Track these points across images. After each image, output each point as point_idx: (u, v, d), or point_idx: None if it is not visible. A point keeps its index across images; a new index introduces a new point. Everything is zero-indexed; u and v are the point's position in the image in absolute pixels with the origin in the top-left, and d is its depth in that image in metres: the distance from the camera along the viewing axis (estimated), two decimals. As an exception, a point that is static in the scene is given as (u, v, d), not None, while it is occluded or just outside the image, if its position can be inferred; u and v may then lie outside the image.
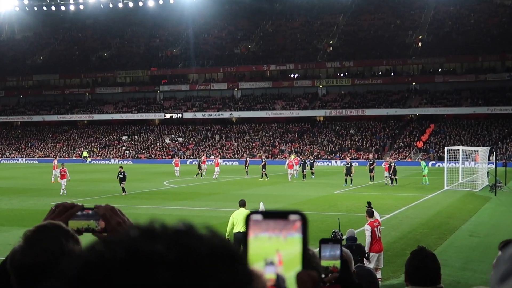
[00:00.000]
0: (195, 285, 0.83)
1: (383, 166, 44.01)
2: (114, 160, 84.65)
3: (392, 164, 42.60)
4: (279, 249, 1.04)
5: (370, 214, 15.66)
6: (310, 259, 2.89)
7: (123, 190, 36.40)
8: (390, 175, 42.31)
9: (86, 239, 1.56)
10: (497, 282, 0.70)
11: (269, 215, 1.05)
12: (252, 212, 1.06)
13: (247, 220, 1.04)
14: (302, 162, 49.33)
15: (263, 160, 49.63)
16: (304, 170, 47.99)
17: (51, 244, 2.20)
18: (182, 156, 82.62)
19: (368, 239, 14.96)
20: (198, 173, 51.34)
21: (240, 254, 0.91)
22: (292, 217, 1.04)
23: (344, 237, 14.44)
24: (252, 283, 0.89)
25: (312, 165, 50.95)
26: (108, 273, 0.83)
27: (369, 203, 16.42)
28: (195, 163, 76.25)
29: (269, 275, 1.04)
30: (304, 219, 1.04)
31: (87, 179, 48.74)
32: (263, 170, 48.06)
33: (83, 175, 51.85)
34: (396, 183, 42.41)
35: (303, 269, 1.05)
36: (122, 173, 36.93)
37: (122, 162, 74.43)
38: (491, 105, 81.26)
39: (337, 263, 2.86)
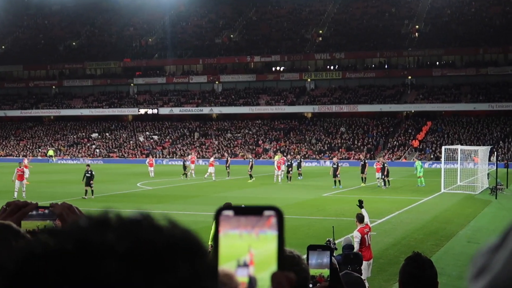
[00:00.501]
0: (149, 279, 0.82)
1: (375, 167, 44.18)
2: (83, 160, 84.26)
3: (385, 165, 42.80)
4: (251, 248, 1.02)
5: (361, 219, 15.77)
6: (299, 261, 2.89)
7: (92, 192, 35.84)
8: (383, 177, 42.48)
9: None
10: (474, 277, 0.71)
11: (241, 210, 1.04)
12: (222, 208, 1.04)
13: (217, 216, 1.03)
14: (289, 163, 49.39)
15: (251, 161, 50.08)
16: (290, 171, 48.09)
17: None
18: (159, 156, 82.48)
19: (356, 246, 15.03)
20: (184, 173, 51.24)
21: (202, 247, 0.91)
22: (267, 212, 1.03)
23: (339, 240, 14.48)
24: (214, 278, 0.89)
25: (299, 166, 51.11)
26: (52, 265, 0.82)
27: (360, 202, 16.59)
28: (171, 163, 76.10)
29: (241, 277, 1.03)
30: (279, 215, 1.03)
31: (52, 180, 48.48)
32: (250, 170, 48.38)
33: (48, 176, 51.59)
34: (389, 185, 42.60)
35: (279, 270, 1.03)
36: (89, 172, 36.22)
37: (92, 162, 74.03)
38: (493, 101, 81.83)
39: (325, 272, 2.84)
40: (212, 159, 51.80)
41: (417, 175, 44.06)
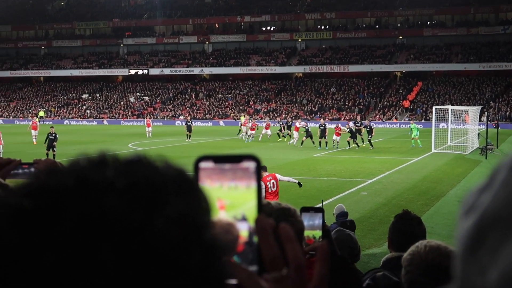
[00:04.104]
0: (148, 213, 0.84)
1: (335, 130, 42.47)
2: (74, 121, 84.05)
3: (359, 128, 42.68)
4: (221, 198, 1.01)
5: (264, 169, 16.45)
6: (294, 213, 2.87)
7: (53, 156, 32.15)
8: (368, 138, 41.91)
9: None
10: (463, 214, 0.77)
11: (220, 159, 1.03)
12: (200, 158, 1.03)
13: (195, 167, 1.02)
14: (285, 124, 49.14)
15: (282, 123, 51.15)
16: (285, 132, 47.30)
17: None
18: (155, 117, 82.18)
19: (263, 194, 15.42)
20: (188, 135, 49.03)
21: (195, 185, 0.94)
22: (245, 163, 1.02)
23: (327, 202, 14.69)
24: (209, 214, 0.91)
25: (289, 128, 50.35)
26: (53, 201, 0.82)
27: (299, 185, 18.78)
28: (168, 123, 75.86)
29: (242, 231, 1.02)
30: (257, 163, 1.02)
31: (39, 140, 48.30)
32: (282, 131, 49.15)
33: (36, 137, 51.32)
34: (358, 146, 41.76)
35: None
36: (53, 135, 34.46)
37: (85, 123, 73.49)
38: (483, 61, 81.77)
39: (316, 233, 2.84)
40: (299, 123, 47.03)
41: (411, 136, 43.50)
